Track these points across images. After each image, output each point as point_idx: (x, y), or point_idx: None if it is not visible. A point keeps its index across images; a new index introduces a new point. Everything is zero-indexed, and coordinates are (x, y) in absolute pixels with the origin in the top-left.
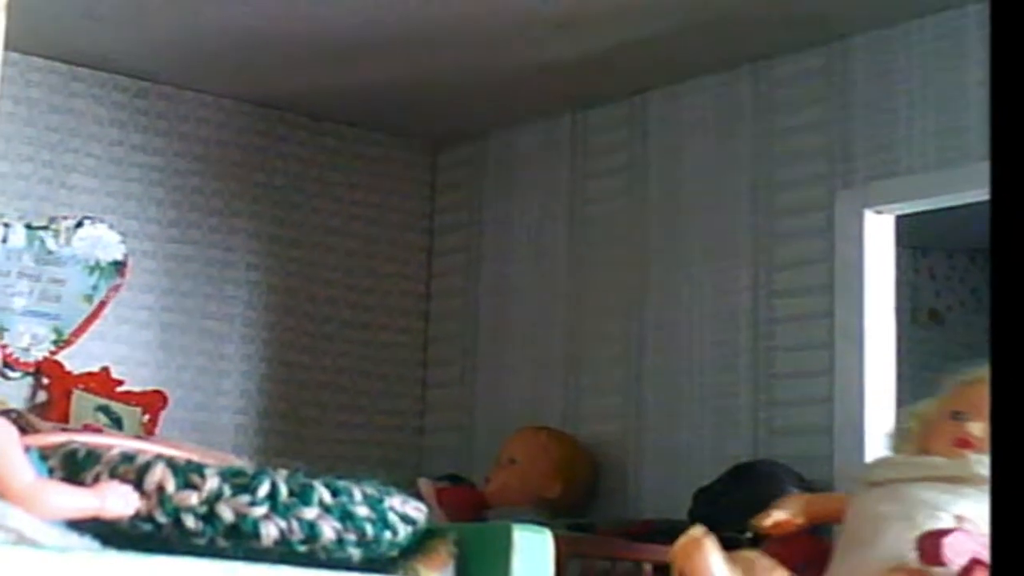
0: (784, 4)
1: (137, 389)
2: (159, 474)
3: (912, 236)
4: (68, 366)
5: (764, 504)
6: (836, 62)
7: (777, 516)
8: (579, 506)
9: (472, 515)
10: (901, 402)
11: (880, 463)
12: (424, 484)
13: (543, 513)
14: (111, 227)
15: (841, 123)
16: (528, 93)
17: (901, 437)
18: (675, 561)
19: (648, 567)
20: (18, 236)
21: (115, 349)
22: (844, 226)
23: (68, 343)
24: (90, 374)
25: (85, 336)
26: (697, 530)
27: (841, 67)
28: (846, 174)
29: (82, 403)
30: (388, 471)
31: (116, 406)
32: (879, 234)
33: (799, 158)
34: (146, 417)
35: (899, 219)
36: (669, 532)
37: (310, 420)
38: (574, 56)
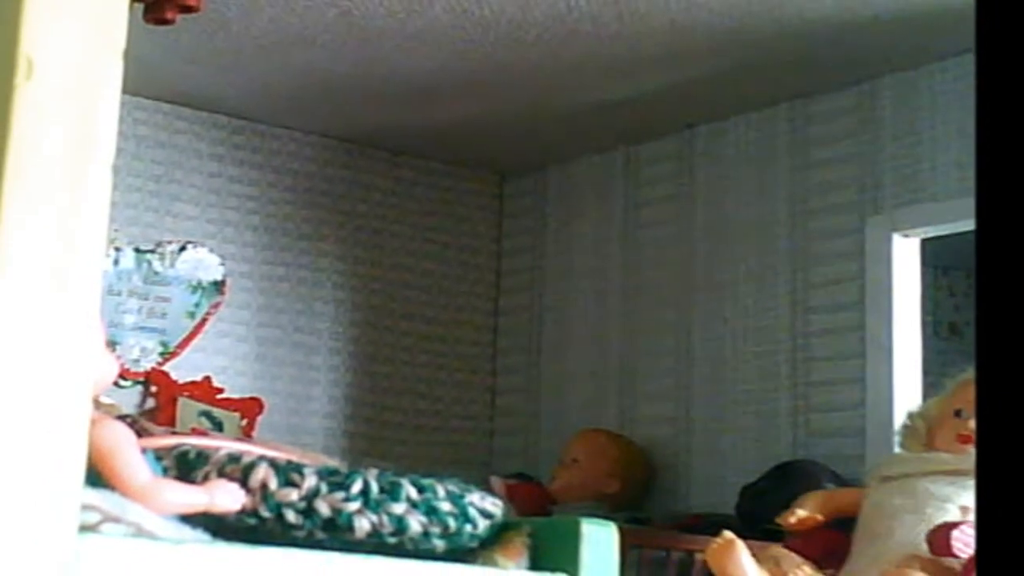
0: (818, 48)
1: (236, 396)
2: (263, 473)
3: (933, 256)
4: (174, 375)
5: None
6: (866, 100)
7: (800, 513)
8: (635, 501)
9: (538, 510)
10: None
11: (891, 460)
12: (495, 481)
13: (603, 508)
14: (211, 251)
15: (870, 156)
16: (586, 129)
17: (909, 435)
18: (710, 562)
19: (700, 556)
20: (128, 259)
21: (215, 360)
22: (874, 249)
23: (173, 355)
24: (193, 383)
25: (188, 349)
26: (728, 533)
27: (870, 105)
28: (875, 202)
29: (186, 409)
30: (461, 470)
31: (217, 411)
32: (906, 256)
33: (832, 187)
34: (244, 421)
35: (924, 242)
36: (718, 525)
37: (391, 424)
38: (627, 96)
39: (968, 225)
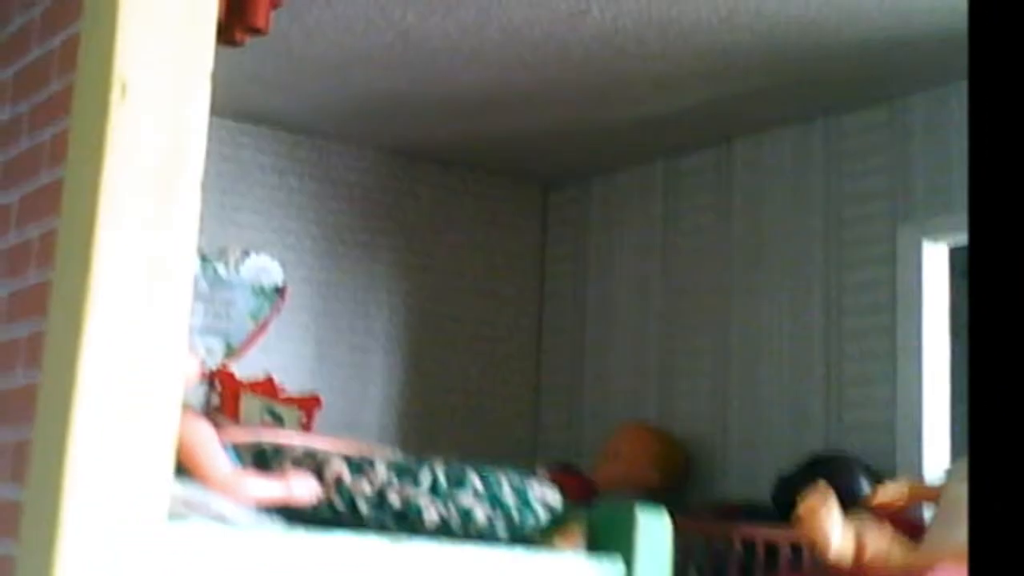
0: (852, 66)
1: (296, 393)
2: (337, 466)
3: (959, 263)
4: (238, 374)
5: (837, 490)
6: (897, 115)
7: (889, 494)
8: (675, 491)
9: (583, 500)
10: (953, 406)
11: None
12: (542, 472)
13: (644, 498)
14: (273, 257)
15: (901, 167)
16: (628, 142)
17: None
18: (800, 517)
19: (739, 542)
20: (195, 265)
21: (277, 360)
22: (904, 255)
23: (237, 355)
24: (256, 381)
25: (252, 349)
26: (819, 492)
27: (902, 120)
28: (906, 210)
29: (250, 405)
30: (509, 462)
31: (278, 407)
32: (935, 261)
33: (865, 197)
34: (304, 417)
35: (952, 249)
36: (754, 514)
37: (442, 419)
38: (667, 110)
39: None
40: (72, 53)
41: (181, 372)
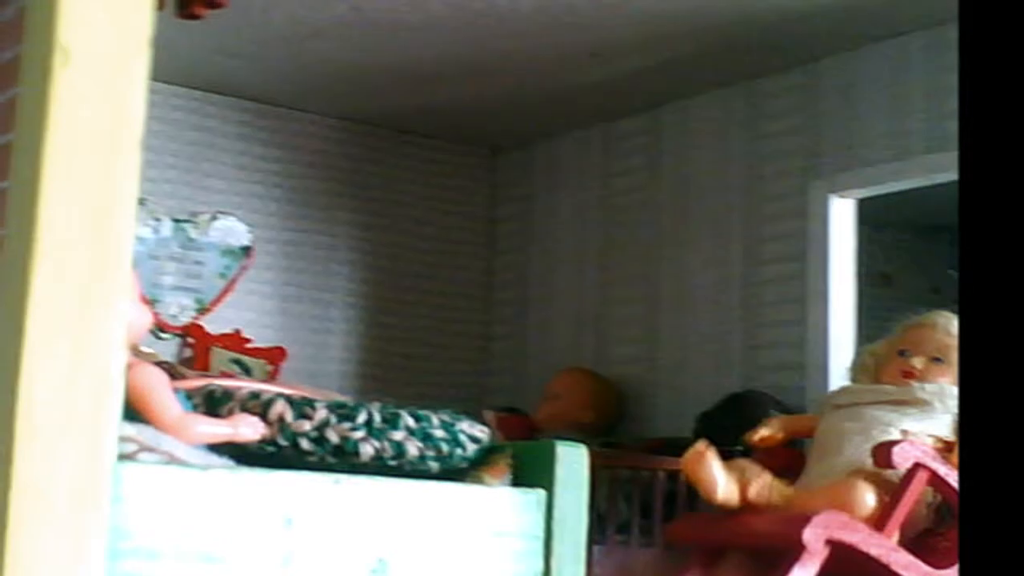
0: (769, 33)
1: (262, 346)
2: (280, 407)
3: (868, 215)
4: (208, 329)
5: (752, 424)
6: (810, 79)
7: (763, 432)
8: (609, 429)
9: (525, 438)
10: (858, 346)
11: (843, 390)
12: (488, 414)
13: (581, 435)
14: (240, 220)
15: (813, 128)
16: (568, 108)
17: (859, 370)
18: (684, 469)
19: (662, 473)
20: (167, 228)
21: (244, 315)
22: (814, 208)
23: (207, 311)
24: (225, 335)
25: (221, 305)
26: (701, 444)
27: (814, 83)
28: (817, 167)
29: (219, 357)
30: (459, 405)
31: (246, 359)
32: (842, 214)
33: (780, 155)
34: (270, 367)
35: (858, 202)
36: (678, 447)
37: (398, 367)
38: (603, 79)
39: (896, 187)
40: (21, 23)
41: (128, 321)
